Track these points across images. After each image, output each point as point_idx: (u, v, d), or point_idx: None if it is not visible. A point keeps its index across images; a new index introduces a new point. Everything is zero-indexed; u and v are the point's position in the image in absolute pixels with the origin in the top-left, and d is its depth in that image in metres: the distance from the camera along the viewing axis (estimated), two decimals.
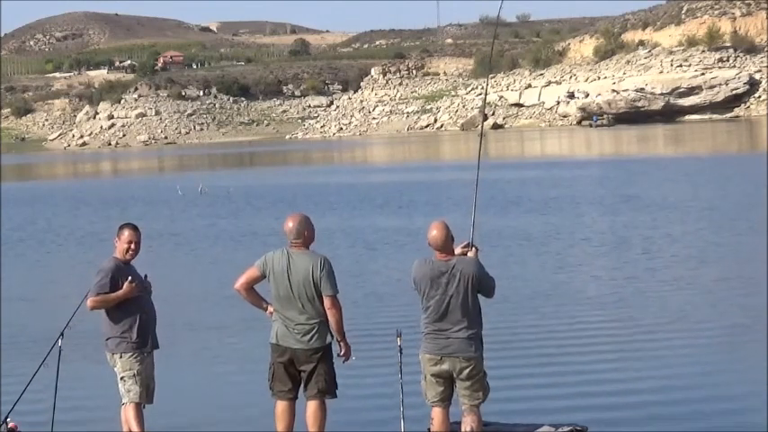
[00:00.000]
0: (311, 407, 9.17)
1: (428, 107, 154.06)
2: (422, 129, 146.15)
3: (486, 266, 9.09)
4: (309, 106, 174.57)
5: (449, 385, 8.98)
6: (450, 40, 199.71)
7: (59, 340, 9.78)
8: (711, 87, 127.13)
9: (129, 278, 9.41)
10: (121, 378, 9.49)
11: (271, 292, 9.23)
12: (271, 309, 9.28)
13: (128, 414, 9.48)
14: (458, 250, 9.13)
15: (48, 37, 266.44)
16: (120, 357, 9.46)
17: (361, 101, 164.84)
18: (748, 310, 15.71)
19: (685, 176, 43.59)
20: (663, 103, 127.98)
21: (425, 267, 8.99)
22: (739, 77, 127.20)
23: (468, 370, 8.87)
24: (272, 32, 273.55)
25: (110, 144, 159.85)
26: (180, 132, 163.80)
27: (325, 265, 9.12)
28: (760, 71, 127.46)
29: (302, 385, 9.24)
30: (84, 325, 10.41)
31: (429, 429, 9.20)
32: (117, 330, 9.47)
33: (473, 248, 9.20)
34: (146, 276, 9.67)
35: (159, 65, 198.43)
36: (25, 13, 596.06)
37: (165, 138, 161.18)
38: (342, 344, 9.22)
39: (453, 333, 8.86)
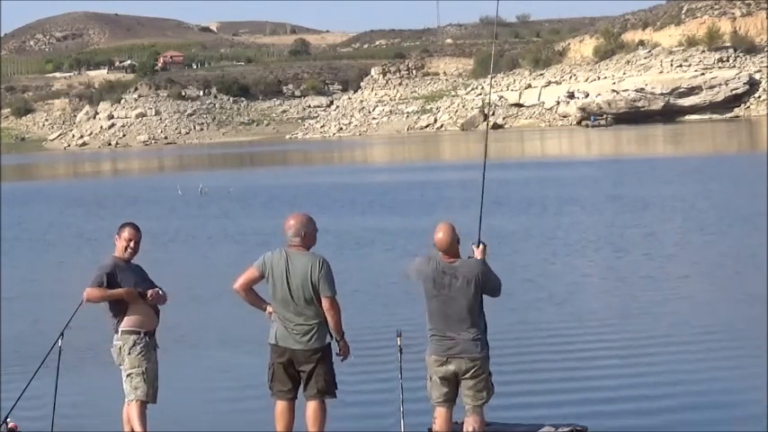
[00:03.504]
0: (311, 407, 9.17)
1: (428, 107, 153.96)
2: (422, 129, 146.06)
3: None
4: (309, 106, 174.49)
5: (454, 386, 8.98)
6: (450, 40, 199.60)
7: (59, 340, 9.77)
8: (711, 87, 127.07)
9: (135, 286, 9.41)
10: (128, 375, 9.46)
11: (269, 293, 9.22)
12: (270, 309, 9.27)
13: (131, 412, 9.44)
14: (478, 254, 9.13)
15: (48, 37, 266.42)
16: (129, 354, 9.45)
17: (361, 101, 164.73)
18: (740, 311, 15.76)
19: (679, 177, 43.51)
20: (663, 104, 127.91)
21: (429, 267, 8.95)
22: (739, 77, 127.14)
23: (473, 370, 8.87)
24: (272, 32, 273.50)
25: (110, 144, 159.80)
26: (180, 132, 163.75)
27: (324, 266, 9.11)
28: (760, 71, 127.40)
29: (302, 385, 9.25)
30: (83, 325, 10.41)
31: (430, 429, 9.20)
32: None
33: (481, 246, 9.20)
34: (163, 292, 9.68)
35: (159, 65, 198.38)
36: (25, 13, 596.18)
37: (165, 138, 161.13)
38: (341, 343, 9.22)
39: (458, 334, 8.84)
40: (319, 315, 9.13)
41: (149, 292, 9.48)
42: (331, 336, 9.22)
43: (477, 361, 8.87)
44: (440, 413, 9.02)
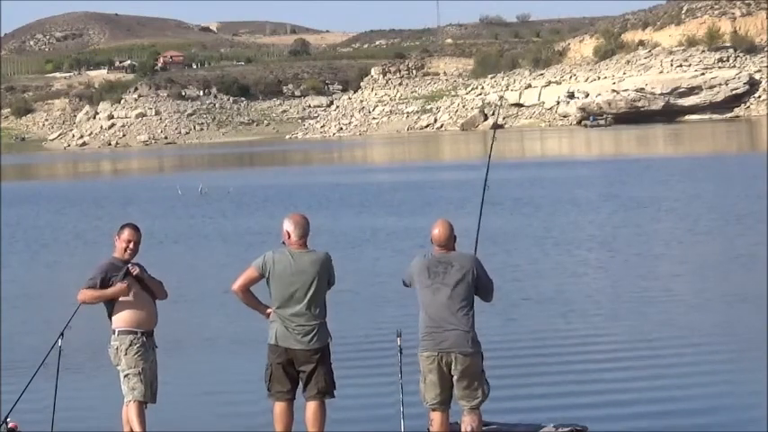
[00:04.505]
0: (311, 407, 9.17)
1: (428, 107, 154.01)
2: (422, 129, 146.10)
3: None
4: (309, 106, 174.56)
5: (447, 387, 8.94)
6: (450, 40, 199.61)
7: (59, 340, 9.77)
8: (711, 87, 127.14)
9: (125, 281, 9.41)
10: (125, 375, 9.46)
11: (271, 293, 9.20)
12: (269, 311, 9.25)
13: (130, 413, 9.43)
14: None
15: (48, 37, 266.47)
16: (125, 355, 9.45)
17: (361, 101, 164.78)
18: (732, 311, 15.78)
19: (677, 177, 43.46)
20: (663, 104, 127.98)
21: (425, 260, 9.01)
22: (739, 77, 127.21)
23: (464, 367, 8.84)
24: (272, 32, 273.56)
25: (110, 144, 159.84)
26: (180, 132, 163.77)
27: (330, 260, 9.24)
28: (760, 71, 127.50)
29: (301, 386, 9.24)
30: (83, 325, 10.40)
31: (428, 430, 9.19)
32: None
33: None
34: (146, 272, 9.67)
35: (159, 65, 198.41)
36: (25, 13, 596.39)
37: (165, 138, 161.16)
38: None
39: (450, 327, 8.82)
40: (321, 315, 9.14)
41: (129, 267, 9.48)
42: (331, 337, 9.23)
43: (468, 356, 8.84)
44: (435, 417, 8.98)
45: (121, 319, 9.48)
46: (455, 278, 8.85)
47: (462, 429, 8.94)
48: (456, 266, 8.88)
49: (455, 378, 8.89)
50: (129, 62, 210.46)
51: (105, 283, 9.42)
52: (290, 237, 9.19)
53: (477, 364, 8.92)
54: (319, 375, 9.13)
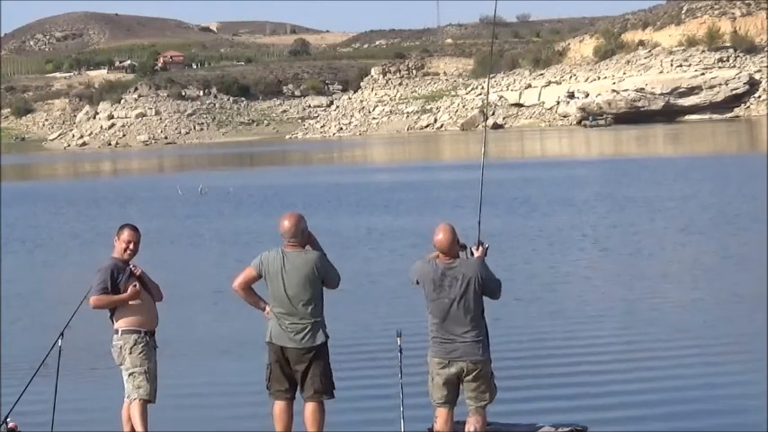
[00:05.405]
0: (309, 408, 9.16)
1: (428, 107, 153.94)
2: (422, 129, 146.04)
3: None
4: (309, 106, 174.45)
5: (455, 388, 8.98)
6: (450, 40, 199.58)
7: (59, 340, 9.77)
8: (711, 87, 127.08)
9: (135, 284, 9.45)
10: (131, 374, 9.46)
11: (267, 292, 9.23)
12: (268, 308, 9.28)
13: (133, 412, 9.43)
14: (477, 255, 9.11)
15: (48, 37, 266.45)
16: (130, 353, 9.46)
17: (361, 101, 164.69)
18: (731, 312, 15.78)
19: (675, 177, 43.43)
20: (663, 104, 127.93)
21: (428, 269, 8.96)
22: (739, 77, 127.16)
23: (475, 372, 8.87)
24: (272, 32, 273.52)
25: (110, 144, 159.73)
26: (180, 132, 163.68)
27: (325, 260, 9.20)
28: (760, 71, 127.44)
29: (299, 386, 9.24)
30: (83, 325, 10.41)
31: (430, 429, 9.20)
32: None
33: (480, 246, 9.19)
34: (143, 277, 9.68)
35: (159, 65, 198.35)
36: (25, 13, 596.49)
37: (165, 138, 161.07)
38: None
39: (459, 337, 8.84)
40: (314, 314, 9.14)
41: (132, 268, 9.51)
42: (325, 335, 9.23)
43: (478, 363, 8.88)
44: (440, 413, 9.03)
45: (125, 319, 9.50)
46: (461, 291, 8.83)
47: (466, 429, 8.96)
48: (460, 279, 8.84)
49: (464, 381, 8.93)
50: (129, 62, 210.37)
51: (114, 285, 9.44)
52: (282, 237, 9.24)
53: (488, 369, 8.97)
54: (315, 375, 9.13)
